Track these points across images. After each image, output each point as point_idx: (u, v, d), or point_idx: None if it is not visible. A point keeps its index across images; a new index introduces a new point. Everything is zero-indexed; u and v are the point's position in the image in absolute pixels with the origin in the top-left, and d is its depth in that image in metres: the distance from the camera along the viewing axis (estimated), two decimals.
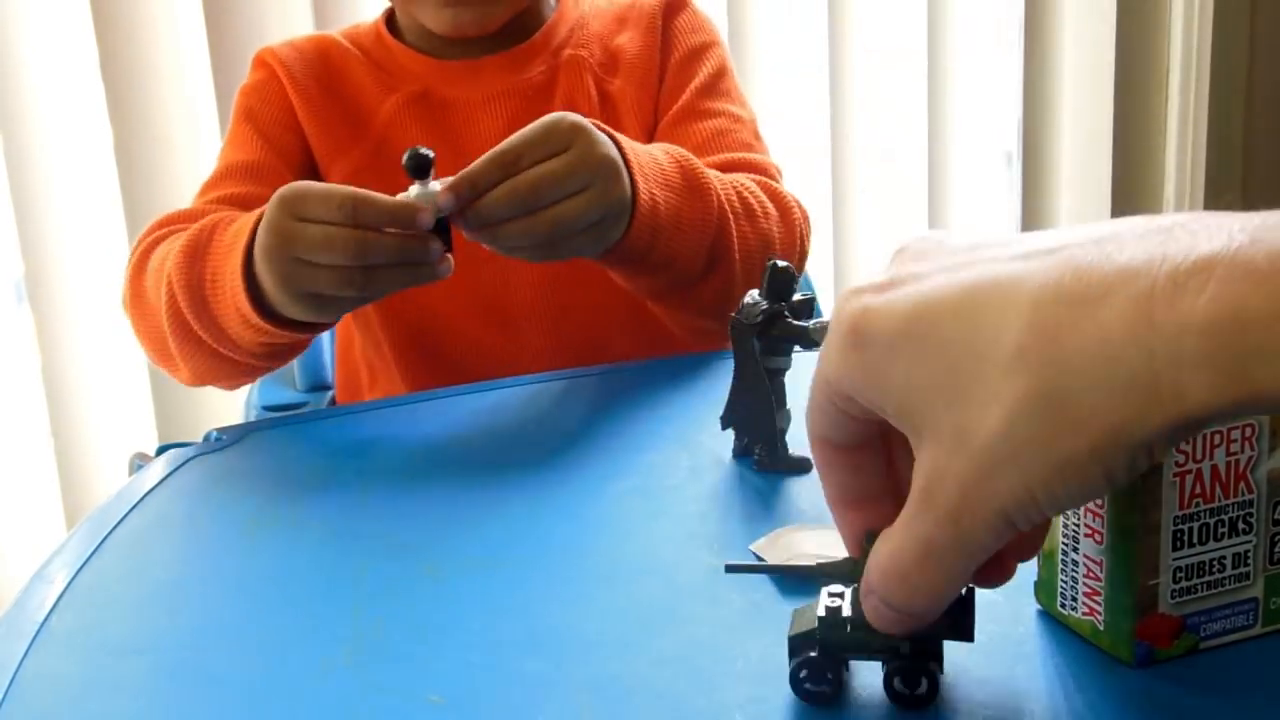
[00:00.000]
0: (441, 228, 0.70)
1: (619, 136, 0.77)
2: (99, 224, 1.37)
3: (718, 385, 0.67)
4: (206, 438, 0.73)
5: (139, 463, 0.76)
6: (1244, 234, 0.30)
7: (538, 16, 0.98)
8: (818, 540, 0.54)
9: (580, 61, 0.97)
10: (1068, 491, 0.33)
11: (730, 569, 0.46)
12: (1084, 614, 0.45)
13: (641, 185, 0.76)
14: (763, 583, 0.52)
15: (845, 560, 0.42)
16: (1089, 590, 0.45)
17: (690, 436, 0.68)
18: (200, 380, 0.85)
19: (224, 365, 0.81)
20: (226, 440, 0.72)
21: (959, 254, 0.36)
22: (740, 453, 0.65)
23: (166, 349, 0.82)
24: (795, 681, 0.43)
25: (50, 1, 1.33)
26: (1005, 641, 0.46)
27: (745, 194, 0.85)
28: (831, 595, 0.43)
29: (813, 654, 0.43)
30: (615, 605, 0.51)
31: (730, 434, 0.65)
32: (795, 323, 0.62)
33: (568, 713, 0.43)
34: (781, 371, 0.63)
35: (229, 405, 1.40)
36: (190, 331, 0.79)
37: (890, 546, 0.37)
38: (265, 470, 0.70)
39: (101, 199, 1.37)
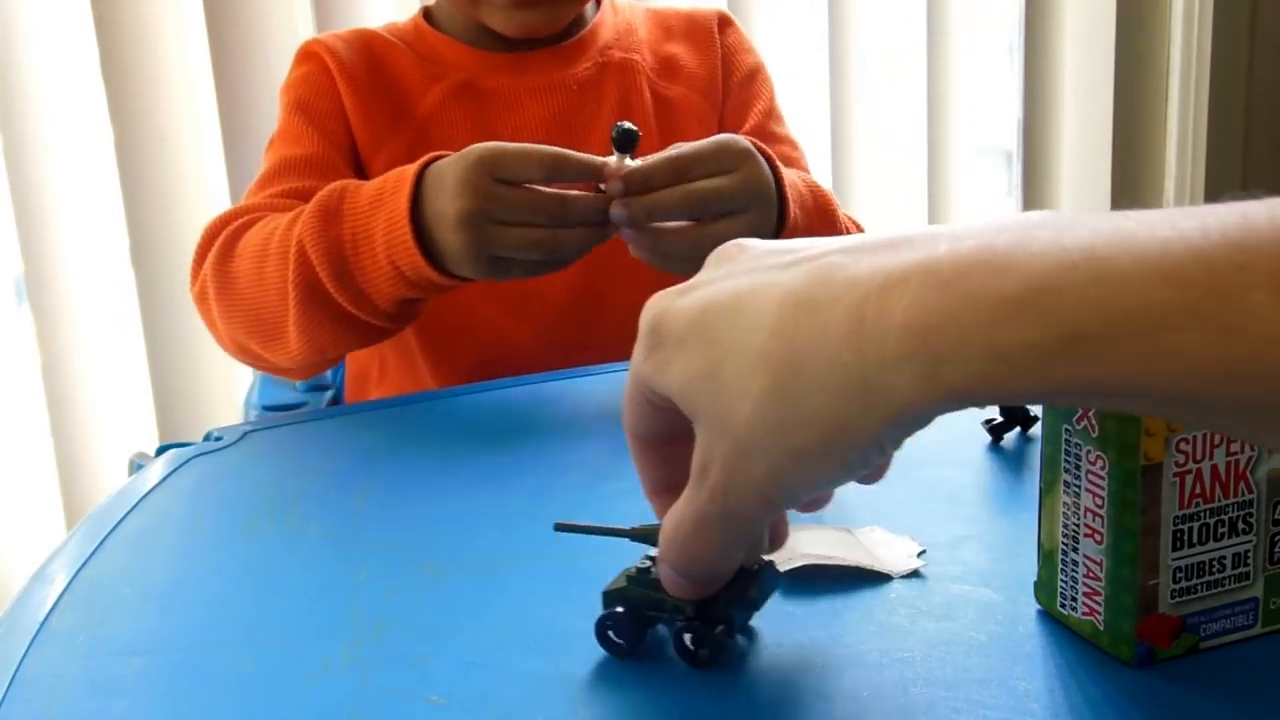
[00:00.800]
0: None
1: (772, 155, 0.80)
2: (99, 223, 1.37)
3: None
4: (206, 437, 0.73)
5: (139, 462, 0.76)
6: (945, 244, 0.33)
7: (580, 19, 1.00)
8: (816, 539, 0.54)
9: (633, 64, 0.99)
10: (811, 479, 0.37)
11: (559, 528, 0.50)
12: (1084, 614, 0.45)
13: (791, 207, 0.80)
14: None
15: (657, 526, 0.44)
16: (1089, 590, 0.45)
17: None
18: (306, 355, 0.82)
19: (346, 332, 0.81)
20: (226, 440, 0.72)
21: (751, 260, 0.39)
22: None
23: (268, 327, 0.82)
24: (600, 631, 0.46)
25: (51, 0, 1.33)
26: (1005, 641, 0.46)
27: (850, 221, 0.92)
28: (647, 558, 0.47)
29: (620, 609, 0.46)
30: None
31: None
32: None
33: (568, 713, 0.43)
34: None
35: (229, 405, 1.40)
36: (321, 294, 0.78)
37: (674, 518, 0.41)
38: (265, 470, 0.70)
39: (102, 198, 1.36)
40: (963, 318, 0.32)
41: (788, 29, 1.61)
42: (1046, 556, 0.47)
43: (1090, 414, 0.43)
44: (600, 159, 0.73)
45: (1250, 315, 0.28)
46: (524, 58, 0.96)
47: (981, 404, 0.33)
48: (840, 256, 0.36)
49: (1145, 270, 0.30)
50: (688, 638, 0.45)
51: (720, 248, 0.42)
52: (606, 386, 0.79)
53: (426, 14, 1.01)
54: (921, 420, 0.34)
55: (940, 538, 0.54)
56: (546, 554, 0.55)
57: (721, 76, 1.03)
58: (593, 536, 0.51)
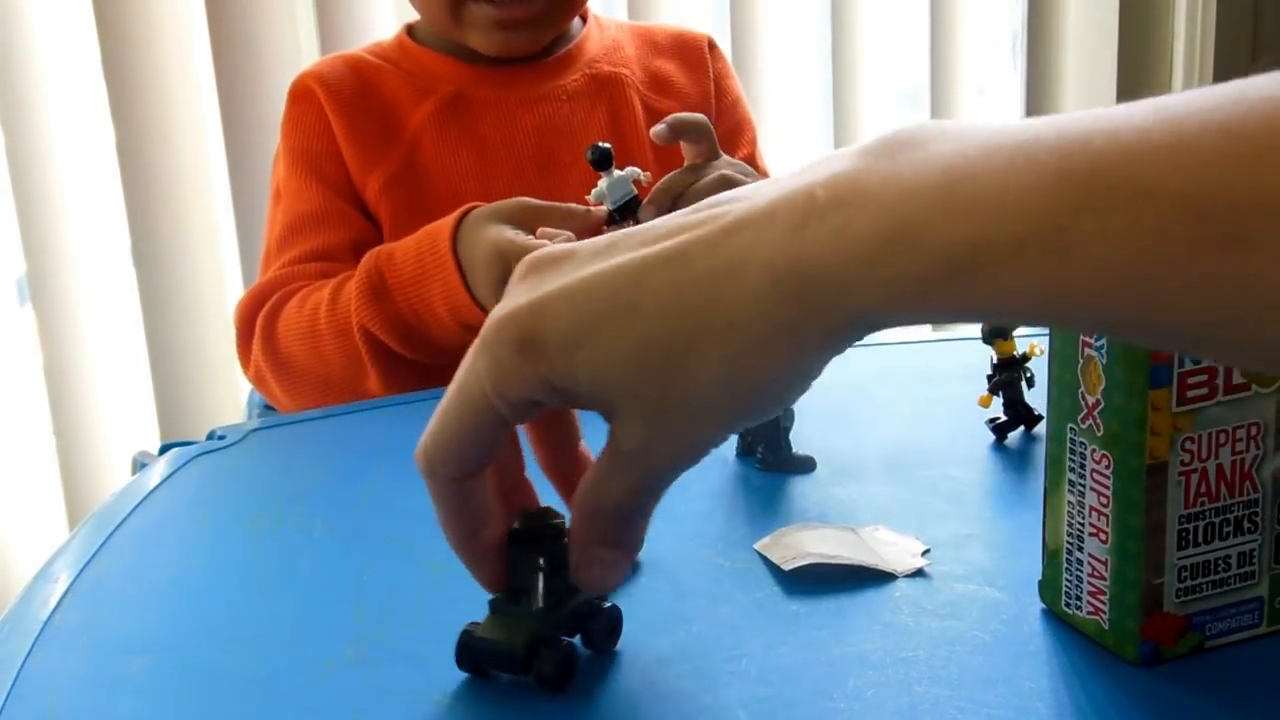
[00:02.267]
0: (629, 212, 0.79)
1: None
2: (101, 222, 1.37)
3: None
4: (209, 436, 0.73)
5: (142, 461, 0.76)
6: (821, 191, 0.36)
7: (565, 36, 1.02)
8: (820, 538, 0.54)
9: (621, 78, 1.01)
10: (748, 421, 0.41)
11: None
12: (1089, 613, 0.45)
13: None
14: (766, 582, 0.52)
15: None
16: (1094, 589, 0.45)
17: None
18: (393, 393, 0.88)
19: (416, 377, 0.87)
20: (229, 439, 0.72)
21: (591, 256, 0.40)
22: (743, 452, 0.65)
23: (342, 390, 0.88)
24: (557, 681, 0.44)
25: (53, 0, 1.33)
26: (1010, 641, 0.46)
27: None
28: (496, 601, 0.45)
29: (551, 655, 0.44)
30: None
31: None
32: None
33: (570, 713, 0.43)
34: None
35: (231, 404, 1.40)
36: (400, 359, 0.86)
37: (604, 497, 0.42)
38: (268, 469, 0.70)
39: (104, 198, 1.36)
40: (855, 256, 0.35)
41: (791, 28, 1.61)
42: (1051, 556, 0.47)
43: (1095, 413, 0.43)
44: (588, 208, 0.79)
45: (1082, 239, 0.31)
46: (512, 72, 0.98)
47: (879, 328, 0.37)
48: (711, 225, 0.38)
49: (994, 209, 0.33)
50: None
51: (532, 257, 0.42)
52: None
53: (410, 31, 1.03)
54: (841, 345, 0.37)
55: (944, 537, 0.54)
56: None
57: (714, 98, 1.05)
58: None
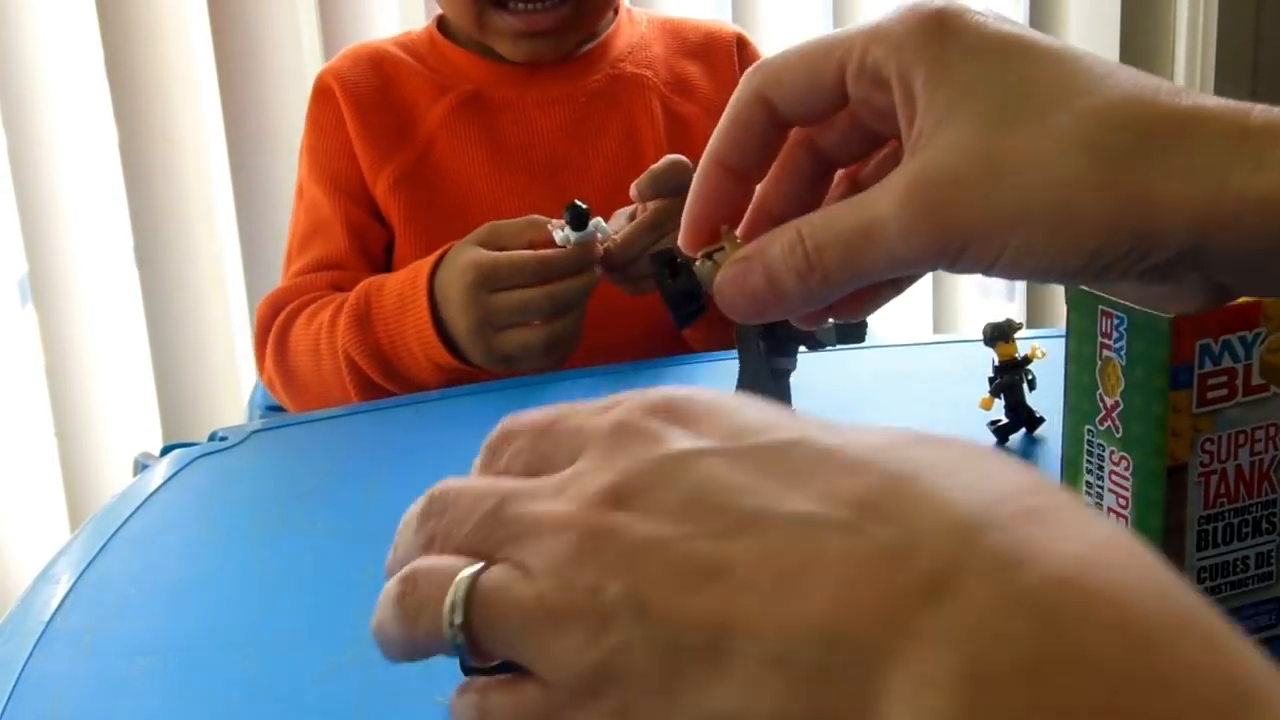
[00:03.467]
0: None
1: None
2: (104, 223, 1.37)
3: (723, 386, 0.66)
4: (211, 437, 0.73)
5: (144, 462, 0.75)
6: None
7: (593, 30, 1.00)
8: None
9: (643, 80, 0.99)
10: (1049, 255, 0.33)
11: None
12: None
13: None
14: None
15: None
16: None
17: None
18: None
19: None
20: (231, 440, 0.72)
21: None
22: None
23: (339, 404, 0.89)
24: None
25: (56, 1, 1.33)
26: None
27: None
28: None
29: None
30: None
31: None
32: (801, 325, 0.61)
33: None
34: (787, 373, 0.62)
35: (233, 405, 1.40)
36: (377, 387, 0.86)
37: (844, 212, 0.35)
38: (269, 470, 0.69)
39: (106, 198, 1.36)
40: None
41: (791, 25, 1.61)
42: None
43: (1114, 415, 0.43)
44: (578, 250, 0.78)
45: None
46: (535, 70, 0.97)
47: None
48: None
49: None
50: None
51: None
52: (608, 387, 0.78)
53: (441, 21, 1.02)
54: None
55: None
56: None
57: None
58: None
